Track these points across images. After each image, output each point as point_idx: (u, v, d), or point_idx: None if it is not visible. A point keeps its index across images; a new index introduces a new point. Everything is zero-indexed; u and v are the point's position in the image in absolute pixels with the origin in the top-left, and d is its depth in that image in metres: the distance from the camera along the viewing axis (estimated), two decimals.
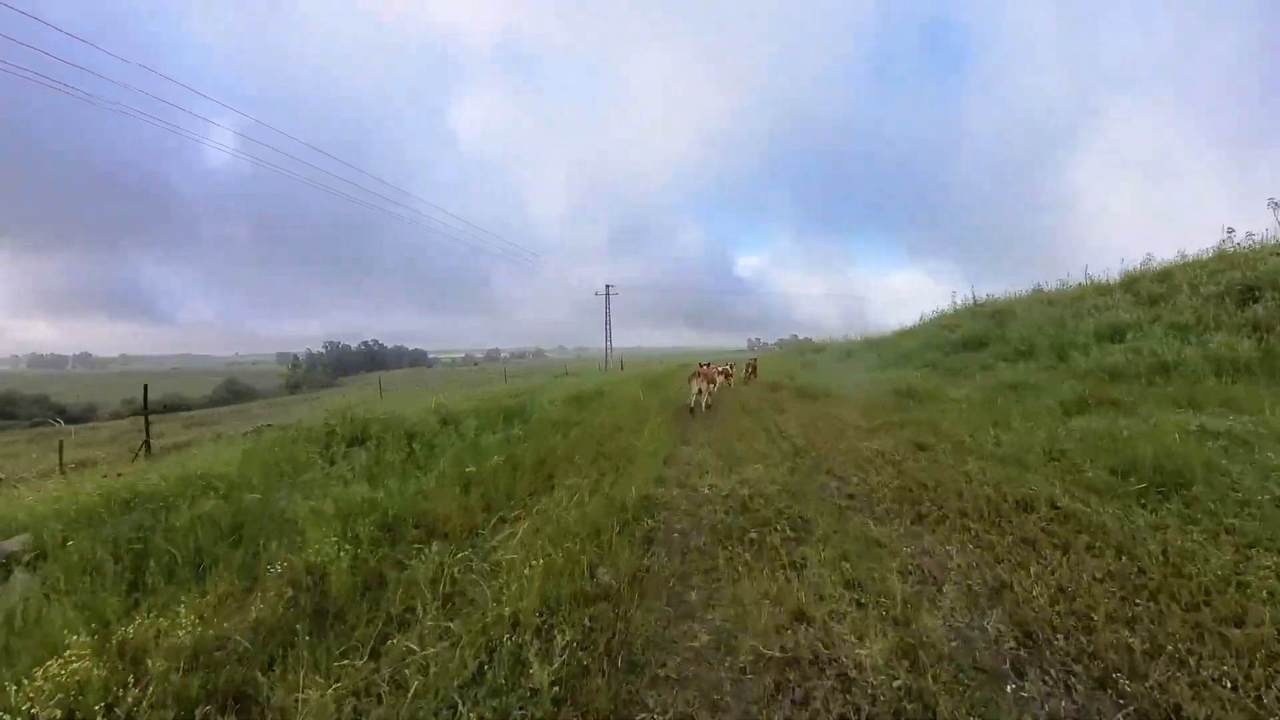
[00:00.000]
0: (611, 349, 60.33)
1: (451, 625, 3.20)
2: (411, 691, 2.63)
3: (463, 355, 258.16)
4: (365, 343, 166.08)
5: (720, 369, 16.99)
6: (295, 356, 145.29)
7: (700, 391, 12.62)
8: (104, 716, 2.45)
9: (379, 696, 2.67)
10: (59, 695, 2.50)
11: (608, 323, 60.51)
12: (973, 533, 4.32)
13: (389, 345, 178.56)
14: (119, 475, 5.95)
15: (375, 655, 2.99)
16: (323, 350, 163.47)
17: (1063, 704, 2.53)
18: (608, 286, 61.36)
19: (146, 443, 10.25)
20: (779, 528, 4.63)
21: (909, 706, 2.53)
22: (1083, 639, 2.94)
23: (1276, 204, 12.93)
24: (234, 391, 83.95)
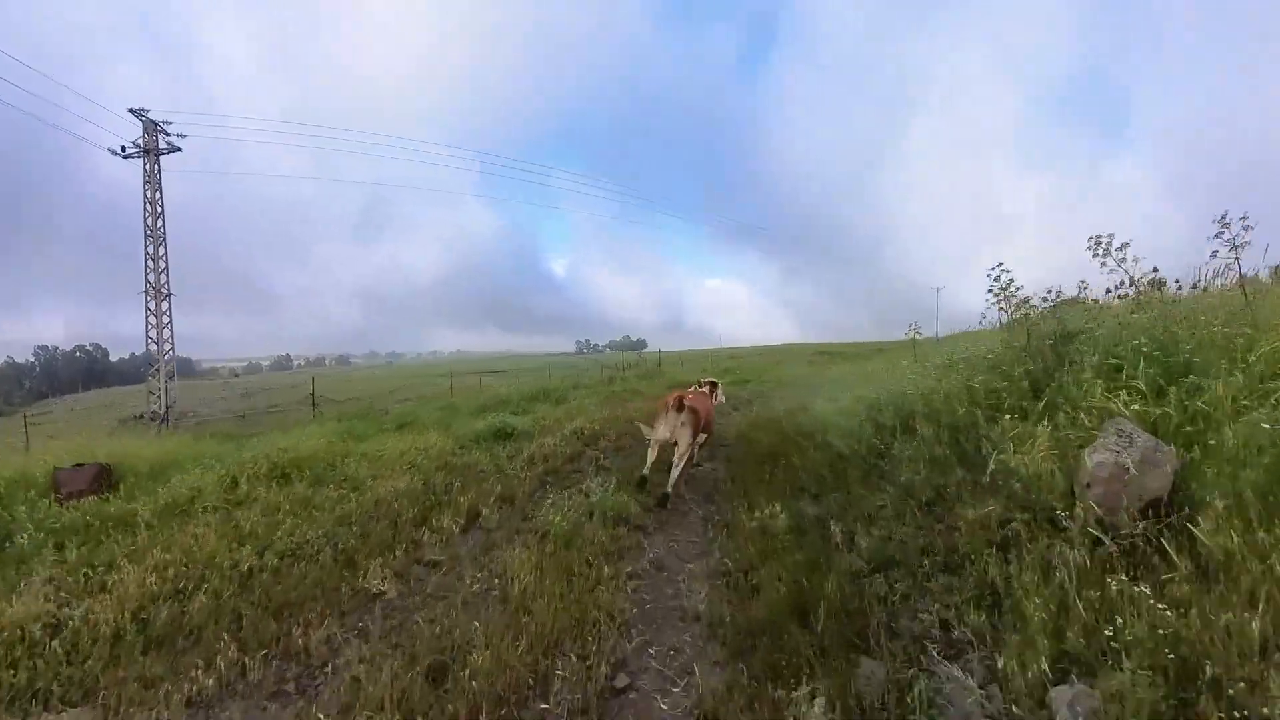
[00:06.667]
0: (170, 350, 26.16)
1: None
2: None
3: (245, 364, 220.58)
4: (82, 348, 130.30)
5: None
6: None
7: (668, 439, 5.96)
8: None
9: None
10: None
11: (153, 257, 25.40)
12: None
13: (124, 353, 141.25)
14: None
15: None
16: (32, 360, 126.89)
17: None
18: (153, 124, 25.31)
19: None
20: None
21: None
22: None
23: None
24: None
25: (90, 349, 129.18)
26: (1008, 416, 5.50)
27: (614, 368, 30.74)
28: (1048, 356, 6.64)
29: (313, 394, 22.16)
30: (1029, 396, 5.82)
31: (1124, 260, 8.00)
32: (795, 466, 6.28)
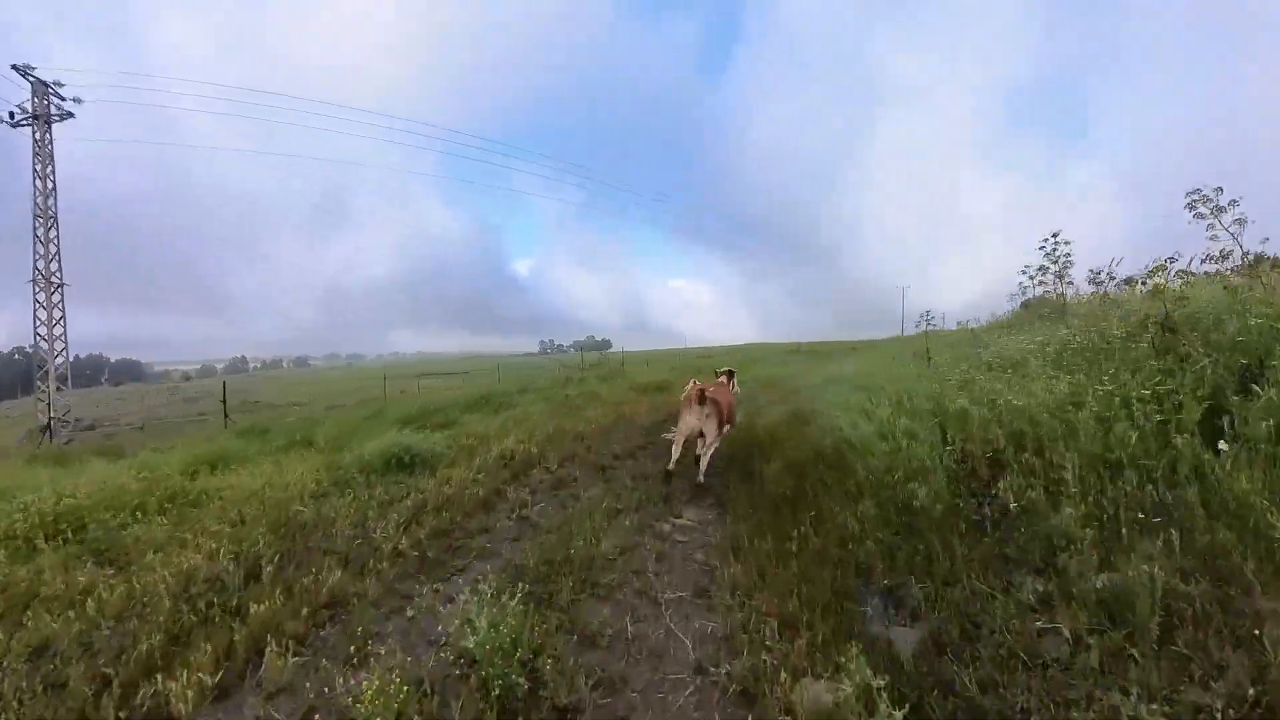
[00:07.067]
0: (62, 349, 22.62)
1: None
2: None
3: (199, 367, 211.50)
4: (21, 350, 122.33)
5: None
6: None
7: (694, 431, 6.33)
8: None
9: None
10: None
11: (44, 240, 21.63)
12: None
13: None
14: None
15: None
16: None
17: None
18: (42, 84, 21.82)
19: None
20: None
21: None
22: None
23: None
24: None
25: (29, 350, 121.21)
26: (1223, 445, 3.17)
27: (574, 368, 28.04)
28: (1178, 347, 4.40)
29: (224, 401, 19.11)
30: (1208, 411, 3.48)
31: (1236, 221, 5.84)
32: (839, 526, 3.83)
